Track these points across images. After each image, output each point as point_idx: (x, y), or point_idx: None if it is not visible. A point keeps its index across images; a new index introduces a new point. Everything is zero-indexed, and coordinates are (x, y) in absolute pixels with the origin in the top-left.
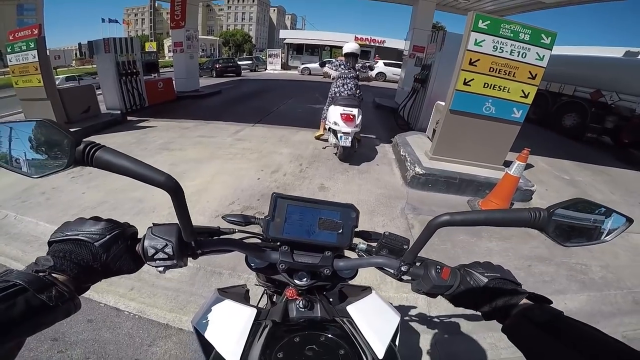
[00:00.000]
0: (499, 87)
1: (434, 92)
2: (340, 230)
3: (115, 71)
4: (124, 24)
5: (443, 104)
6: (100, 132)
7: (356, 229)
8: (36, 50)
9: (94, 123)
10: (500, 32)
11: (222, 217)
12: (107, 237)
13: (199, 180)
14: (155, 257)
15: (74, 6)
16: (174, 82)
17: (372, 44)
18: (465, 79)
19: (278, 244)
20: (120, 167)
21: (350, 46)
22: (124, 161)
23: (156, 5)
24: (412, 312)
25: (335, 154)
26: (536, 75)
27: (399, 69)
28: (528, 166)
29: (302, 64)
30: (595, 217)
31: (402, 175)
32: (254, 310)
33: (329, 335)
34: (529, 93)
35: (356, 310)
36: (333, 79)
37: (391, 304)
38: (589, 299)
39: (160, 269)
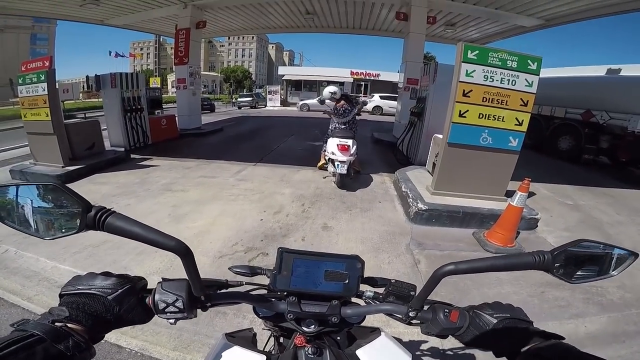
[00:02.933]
0: (493, 116)
1: (431, 125)
2: (347, 281)
3: (120, 107)
4: (130, 57)
5: (441, 136)
6: (103, 169)
7: (363, 277)
8: (46, 83)
9: (98, 160)
10: (489, 61)
11: (229, 269)
12: (120, 291)
13: (201, 222)
14: (166, 310)
15: (82, 38)
16: (176, 119)
17: (367, 77)
18: (460, 111)
19: (285, 294)
20: (132, 233)
21: (333, 92)
22: (134, 228)
23: (161, 40)
24: (424, 346)
25: (334, 182)
26: (528, 101)
27: (395, 102)
28: (530, 194)
29: (301, 100)
30: (600, 254)
31: (405, 212)
32: (264, 358)
33: None
34: (522, 120)
35: (366, 354)
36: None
37: (401, 343)
38: (611, 320)
39: (172, 321)
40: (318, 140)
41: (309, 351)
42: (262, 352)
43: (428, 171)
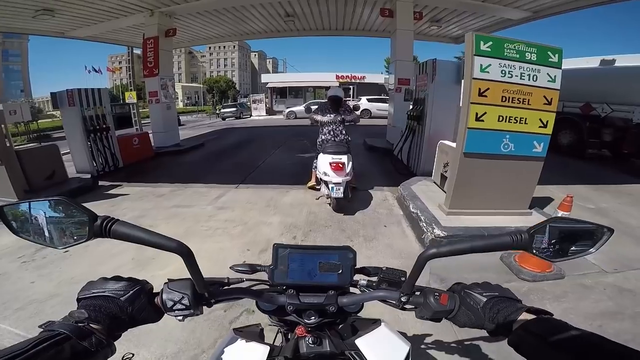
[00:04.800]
0: (515, 118)
1: (433, 130)
2: (340, 271)
3: (82, 127)
4: (108, 71)
5: (448, 143)
6: None
7: (356, 267)
8: None
9: (60, 191)
10: (506, 54)
11: (230, 268)
12: (131, 292)
13: (170, 268)
14: (174, 308)
15: (61, 53)
16: (150, 136)
17: (352, 80)
18: (477, 114)
19: (284, 287)
20: (135, 237)
21: (333, 91)
22: (138, 233)
23: (134, 52)
24: (429, 339)
25: (329, 204)
26: (552, 99)
27: (383, 104)
28: (547, 200)
29: (287, 107)
30: (577, 232)
31: (417, 237)
32: (267, 348)
33: None
34: (547, 121)
35: (365, 342)
36: (320, 125)
37: (401, 334)
38: None
39: (180, 317)
40: (308, 151)
41: (310, 340)
42: (267, 343)
43: (435, 183)
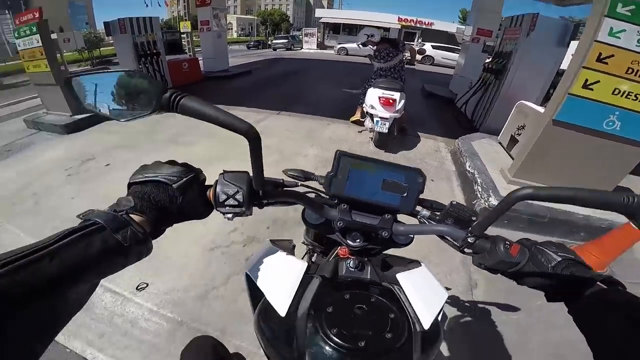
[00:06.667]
0: (635, 95)
1: (513, 88)
2: (405, 194)
3: (133, 52)
4: (165, 5)
5: (531, 105)
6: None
7: (420, 197)
8: (39, 35)
9: None
10: None
11: (283, 171)
12: (184, 179)
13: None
14: (225, 203)
15: None
16: (200, 61)
17: (418, 25)
18: (587, 80)
19: (336, 201)
20: (204, 114)
21: (378, 36)
22: (207, 109)
23: None
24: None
25: (371, 138)
26: None
27: (449, 53)
28: (626, 191)
29: (339, 43)
30: None
31: (466, 201)
32: (305, 264)
33: (379, 298)
34: None
35: (406, 279)
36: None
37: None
38: None
39: (229, 215)
40: (355, 87)
41: (351, 264)
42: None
43: (501, 144)
